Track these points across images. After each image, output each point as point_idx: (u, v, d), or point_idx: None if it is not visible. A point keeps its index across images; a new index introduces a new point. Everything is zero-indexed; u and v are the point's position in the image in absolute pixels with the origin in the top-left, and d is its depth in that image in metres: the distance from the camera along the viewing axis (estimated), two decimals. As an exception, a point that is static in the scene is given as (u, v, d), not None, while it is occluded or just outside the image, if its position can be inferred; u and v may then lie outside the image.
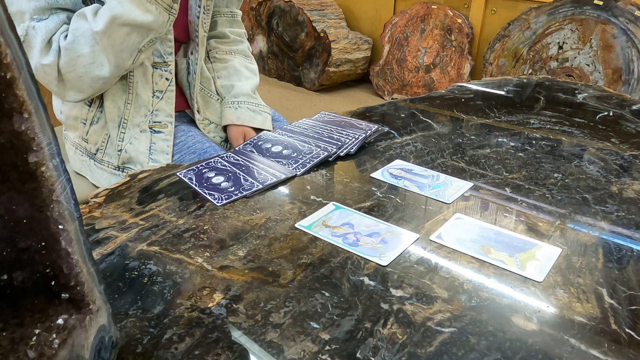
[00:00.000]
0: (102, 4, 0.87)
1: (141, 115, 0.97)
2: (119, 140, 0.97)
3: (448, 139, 0.95)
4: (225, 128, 1.12)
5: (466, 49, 2.90)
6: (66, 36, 0.85)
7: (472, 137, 0.96)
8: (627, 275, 0.57)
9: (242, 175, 0.76)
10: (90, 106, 0.97)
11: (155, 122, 0.98)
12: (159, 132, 0.99)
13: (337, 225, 0.65)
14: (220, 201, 0.69)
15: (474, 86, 1.31)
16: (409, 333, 0.47)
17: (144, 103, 0.97)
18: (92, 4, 0.89)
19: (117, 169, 0.99)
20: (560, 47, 2.55)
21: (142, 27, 0.85)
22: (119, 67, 0.88)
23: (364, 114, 1.06)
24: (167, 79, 0.98)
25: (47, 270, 0.35)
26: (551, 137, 0.98)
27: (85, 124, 0.98)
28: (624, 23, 2.34)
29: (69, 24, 0.86)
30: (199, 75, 1.07)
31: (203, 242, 0.61)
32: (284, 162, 0.81)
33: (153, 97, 0.97)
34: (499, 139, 0.96)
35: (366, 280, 0.55)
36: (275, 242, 0.61)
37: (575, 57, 2.52)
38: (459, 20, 2.89)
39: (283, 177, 0.76)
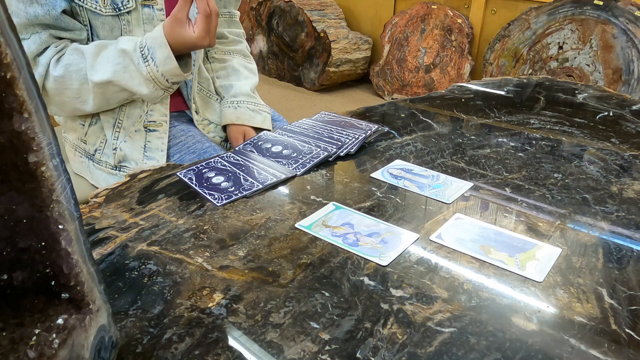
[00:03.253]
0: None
1: (136, 116, 0.97)
2: (114, 139, 0.97)
3: (448, 139, 0.95)
4: (225, 128, 1.12)
5: (466, 49, 2.90)
6: (58, 60, 0.86)
7: (472, 137, 0.96)
8: (627, 275, 0.57)
9: (242, 175, 0.76)
10: None
11: (150, 121, 0.98)
12: (154, 130, 0.99)
13: (337, 225, 0.65)
14: (220, 201, 0.69)
15: (474, 86, 1.31)
16: (409, 333, 0.47)
17: (138, 104, 0.97)
18: (71, 16, 0.89)
19: (114, 168, 0.99)
20: (560, 47, 2.55)
21: (135, 94, 0.90)
22: (100, 109, 0.94)
23: (364, 114, 1.06)
24: None
25: (47, 270, 0.35)
26: (551, 137, 0.98)
27: (84, 125, 0.99)
28: (624, 23, 2.34)
29: (53, 43, 0.87)
30: (196, 76, 1.07)
31: (203, 242, 0.61)
32: (284, 162, 0.81)
33: None
34: (499, 139, 0.96)
35: (366, 280, 0.55)
36: (275, 242, 0.61)
37: (575, 57, 2.52)
38: (459, 20, 2.89)
39: (283, 177, 0.76)
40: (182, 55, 0.91)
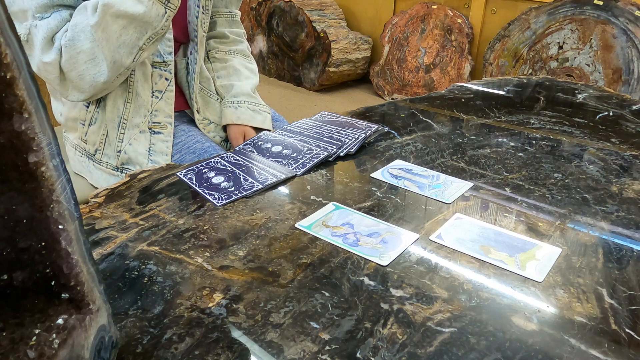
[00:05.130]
0: None
1: (140, 116, 0.97)
2: (118, 141, 0.97)
3: (448, 139, 0.95)
4: (225, 128, 1.12)
5: (466, 49, 2.90)
6: (68, 31, 0.83)
7: (472, 137, 0.96)
8: (627, 275, 0.57)
9: (242, 175, 0.76)
10: (88, 107, 0.97)
11: (154, 122, 0.98)
12: (159, 132, 0.99)
13: (337, 225, 0.65)
14: (220, 201, 0.69)
15: (474, 86, 1.31)
16: (409, 333, 0.47)
17: (143, 103, 0.97)
18: None
19: (116, 169, 0.99)
20: (560, 47, 2.55)
21: (136, 20, 0.82)
22: (116, 64, 0.86)
23: (364, 114, 1.06)
24: (166, 79, 0.98)
25: (47, 270, 0.35)
26: (551, 137, 0.98)
27: (84, 124, 0.98)
28: (624, 23, 2.34)
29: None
30: (198, 75, 1.07)
31: (203, 242, 0.61)
32: (284, 162, 0.81)
33: (152, 97, 0.97)
34: (499, 139, 0.96)
35: (366, 280, 0.55)
36: (275, 242, 0.61)
37: (575, 57, 2.52)
38: (459, 20, 2.89)
39: (283, 177, 0.76)
40: None
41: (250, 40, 3.65)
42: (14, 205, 0.33)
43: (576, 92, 1.28)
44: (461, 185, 0.76)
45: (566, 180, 0.80)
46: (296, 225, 0.65)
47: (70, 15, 0.85)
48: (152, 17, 0.84)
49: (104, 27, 0.82)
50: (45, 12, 0.83)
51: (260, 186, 0.73)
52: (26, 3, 0.83)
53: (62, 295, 0.36)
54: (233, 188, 0.73)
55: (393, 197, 0.73)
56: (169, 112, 0.99)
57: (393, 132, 0.97)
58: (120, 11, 0.81)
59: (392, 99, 3.04)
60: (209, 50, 1.16)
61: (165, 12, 0.85)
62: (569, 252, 0.61)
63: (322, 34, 3.19)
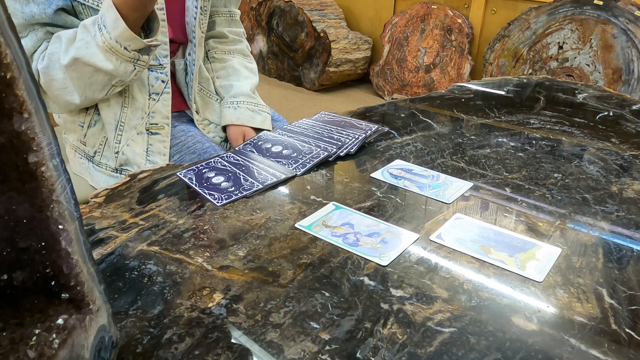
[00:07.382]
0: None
1: (138, 118, 0.97)
2: (116, 143, 0.97)
3: (448, 139, 0.95)
4: (224, 128, 1.12)
5: (466, 49, 2.90)
6: (45, 57, 0.85)
7: (472, 137, 0.96)
8: (627, 275, 0.57)
9: (242, 175, 0.76)
10: (87, 110, 0.97)
11: (151, 124, 0.98)
12: (156, 133, 0.99)
13: (337, 225, 0.65)
14: (220, 201, 0.69)
15: (474, 86, 1.31)
16: (409, 333, 0.47)
17: (140, 105, 0.97)
18: (73, 16, 0.88)
19: (115, 171, 0.99)
20: (560, 47, 2.55)
21: (104, 72, 0.86)
22: (87, 98, 0.89)
23: (364, 114, 1.06)
24: (162, 81, 0.98)
25: (47, 270, 0.35)
26: (551, 137, 0.98)
27: (83, 126, 0.98)
28: (624, 23, 2.34)
29: (48, 40, 0.87)
30: (197, 75, 1.07)
31: (203, 242, 0.61)
32: (284, 162, 0.81)
33: (149, 99, 0.97)
34: (499, 139, 0.95)
35: (366, 280, 0.55)
36: (275, 242, 0.61)
37: (575, 57, 2.52)
38: (459, 20, 2.89)
39: (283, 177, 0.76)
40: (152, 23, 0.87)
41: (250, 40, 3.65)
42: (14, 205, 0.33)
43: (576, 92, 1.28)
44: (461, 185, 0.76)
45: (566, 180, 0.80)
46: (296, 225, 0.65)
47: (47, 34, 0.86)
48: (121, 73, 0.87)
49: (75, 68, 0.84)
50: (23, 32, 0.85)
51: (260, 186, 0.73)
52: None
53: (62, 295, 0.36)
54: (233, 188, 0.73)
55: (393, 197, 0.73)
56: (166, 113, 0.99)
57: (393, 132, 0.97)
58: (90, 62, 0.84)
59: (392, 99, 3.04)
60: (209, 50, 1.16)
61: (135, 69, 0.88)
62: (569, 252, 0.61)
63: (322, 34, 3.19)
